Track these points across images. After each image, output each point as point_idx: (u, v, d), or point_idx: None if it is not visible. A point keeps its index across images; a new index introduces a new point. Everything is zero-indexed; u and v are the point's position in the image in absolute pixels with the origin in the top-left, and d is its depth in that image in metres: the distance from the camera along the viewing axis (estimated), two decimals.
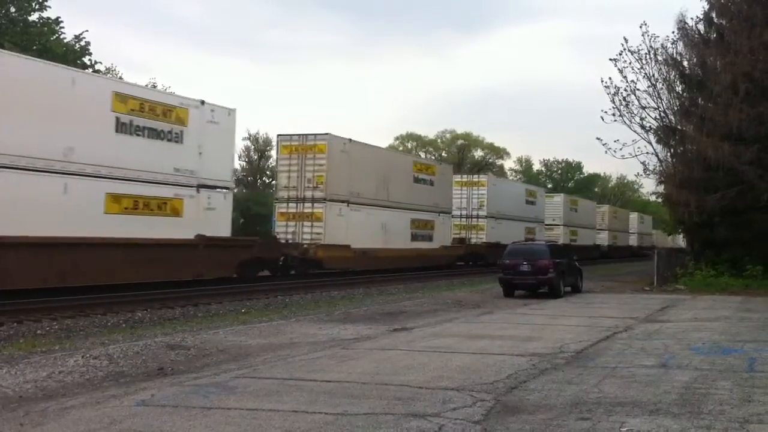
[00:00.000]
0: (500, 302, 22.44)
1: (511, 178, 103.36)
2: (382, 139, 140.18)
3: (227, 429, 6.99)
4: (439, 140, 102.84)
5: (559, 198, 64.52)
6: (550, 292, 24.32)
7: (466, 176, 48.37)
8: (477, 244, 45.44)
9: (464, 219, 46.03)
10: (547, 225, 57.46)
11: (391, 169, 36.09)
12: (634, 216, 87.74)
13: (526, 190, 55.83)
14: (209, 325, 15.80)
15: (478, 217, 46.08)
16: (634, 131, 34.05)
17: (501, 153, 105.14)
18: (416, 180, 38.56)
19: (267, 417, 7.41)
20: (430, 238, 39.39)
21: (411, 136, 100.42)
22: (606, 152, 35.34)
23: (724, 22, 31.93)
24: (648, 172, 35.41)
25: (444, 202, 41.62)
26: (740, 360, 11.37)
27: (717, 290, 27.50)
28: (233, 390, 8.76)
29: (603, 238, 74.12)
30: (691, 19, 33.23)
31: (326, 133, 31.34)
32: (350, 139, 32.69)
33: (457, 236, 44.56)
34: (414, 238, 37.91)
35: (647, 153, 34.75)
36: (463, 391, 8.70)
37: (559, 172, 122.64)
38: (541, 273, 24.18)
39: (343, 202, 31.90)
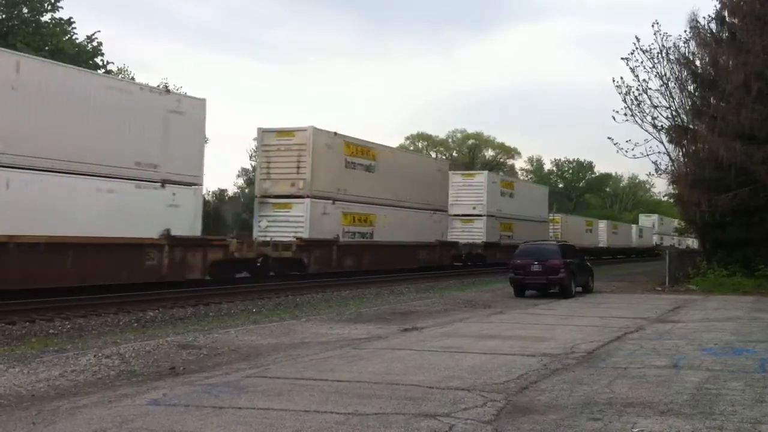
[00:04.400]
0: (511, 302, 22.41)
1: (523, 178, 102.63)
2: (391, 139, 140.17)
3: (238, 428, 7.01)
4: (450, 140, 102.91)
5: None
6: (561, 292, 24.27)
7: None
8: None
9: None
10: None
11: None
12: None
13: None
14: (220, 325, 15.85)
15: None
16: (646, 131, 33.99)
17: (512, 153, 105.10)
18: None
19: (278, 416, 7.43)
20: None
21: (421, 136, 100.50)
22: (617, 152, 35.38)
23: (736, 21, 31.75)
24: (660, 172, 35.38)
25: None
26: (752, 360, 11.32)
27: (729, 290, 27.37)
28: (244, 389, 8.78)
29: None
30: (703, 18, 33.15)
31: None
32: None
33: None
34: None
35: (659, 152, 34.69)
36: (473, 392, 8.70)
37: (571, 171, 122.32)
38: (552, 273, 24.13)
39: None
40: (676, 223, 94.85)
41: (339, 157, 30.88)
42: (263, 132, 30.42)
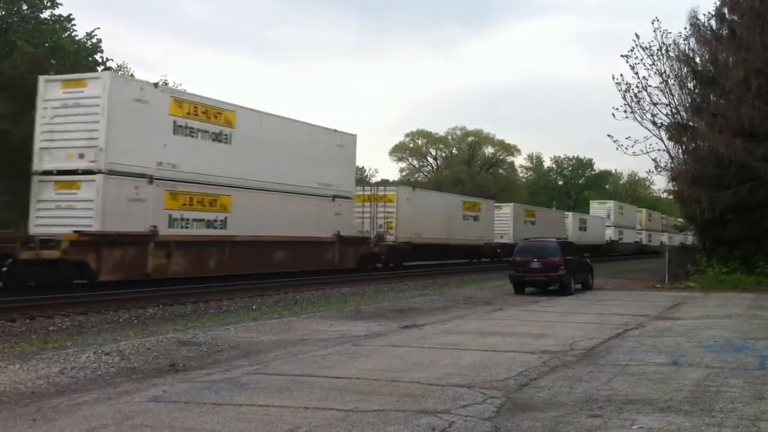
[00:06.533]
0: (511, 299, 22.41)
1: (522, 175, 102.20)
2: (390, 136, 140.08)
3: (238, 425, 7.01)
4: (449, 137, 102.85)
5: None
6: (561, 290, 24.27)
7: None
8: None
9: None
10: None
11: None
12: None
13: None
14: (220, 322, 15.85)
15: None
16: (646, 128, 33.98)
17: (511, 150, 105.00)
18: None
19: (278, 413, 7.43)
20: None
21: (421, 133, 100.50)
22: (617, 149, 35.25)
23: (735, 18, 31.71)
24: (659, 169, 35.37)
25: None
26: (752, 358, 11.32)
27: (729, 287, 27.36)
28: (244, 386, 8.79)
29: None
30: (703, 15, 33.13)
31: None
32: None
33: None
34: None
35: (659, 150, 34.69)
36: (473, 388, 8.70)
37: (570, 169, 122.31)
38: (552, 270, 24.12)
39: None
40: (645, 213, 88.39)
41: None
42: None
